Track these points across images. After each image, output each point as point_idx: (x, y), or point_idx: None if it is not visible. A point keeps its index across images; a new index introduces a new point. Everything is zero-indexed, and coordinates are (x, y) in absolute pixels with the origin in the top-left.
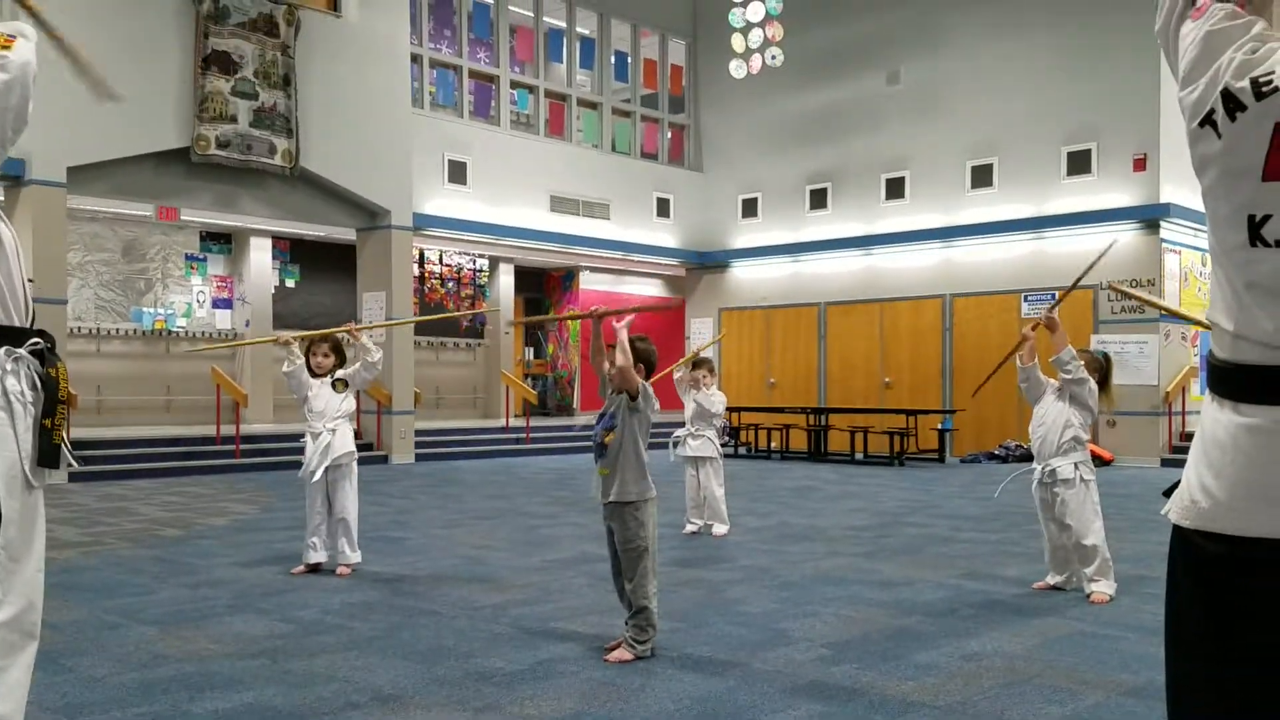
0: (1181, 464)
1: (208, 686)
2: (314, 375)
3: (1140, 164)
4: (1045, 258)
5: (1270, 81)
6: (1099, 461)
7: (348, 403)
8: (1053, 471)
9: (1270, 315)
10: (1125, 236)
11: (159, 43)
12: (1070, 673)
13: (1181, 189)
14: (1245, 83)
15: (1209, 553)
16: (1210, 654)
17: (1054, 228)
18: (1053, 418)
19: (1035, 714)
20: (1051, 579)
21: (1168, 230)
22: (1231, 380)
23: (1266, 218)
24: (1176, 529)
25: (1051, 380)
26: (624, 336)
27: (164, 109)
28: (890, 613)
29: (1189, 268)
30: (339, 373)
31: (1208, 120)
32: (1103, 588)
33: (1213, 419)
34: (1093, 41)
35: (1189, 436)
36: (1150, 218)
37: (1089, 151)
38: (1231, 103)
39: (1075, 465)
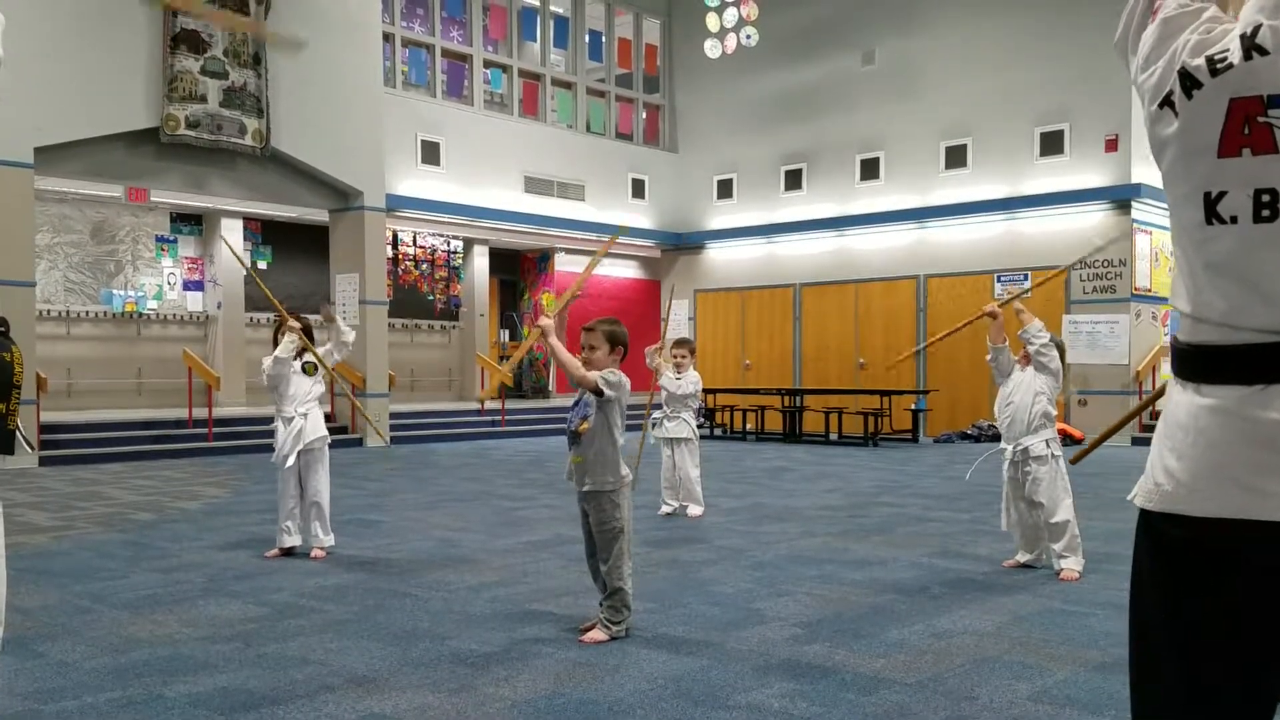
0: (1150, 443)
1: (181, 670)
2: None
3: (1112, 145)
4: (1018, 238)
5: (1225, 58)
6: (1070, 440)
7: (318, 386)
8: (1024, 450)
9: (1223, 294)
10: (1097, 217)
11: (127, 21)
12: (1039, 649)
13: (1152, 170)
14: (1201, 60)
15: (1171, 535)
16: (1170, 635)
17: (1027, 208)
18: (1021, 396)
19: (1004, 690)
20: (1021, 557)
21: (1139, 210)
22: (1191, 362)
23: (1221, 194)
24: (1141, 512)
25: (1014, 357)
26: (560, 352)
27: (133, 89)
28: (863, 591)
29: (1160, 247)
30: (309, 356)
31: (1166, 101)
32: (1072, 564)
33: (1175, 401)
34: (1066, 23)
35: (1160, 415)
36: (1122, 198)
37: (1061, 132)
38: (1188, 81)
39: (1046, 442)
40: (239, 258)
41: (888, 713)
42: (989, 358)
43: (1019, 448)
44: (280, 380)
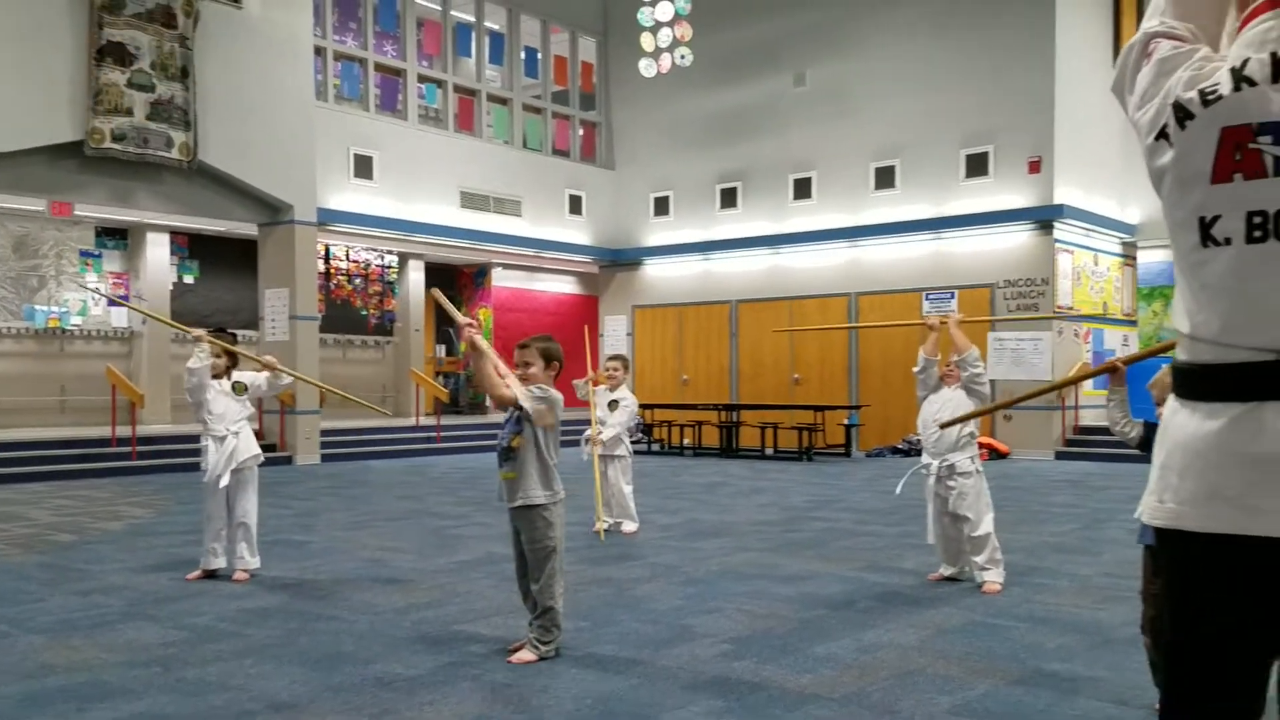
0: (1074, 456)
1: (97, 697)
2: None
3: (1035, 166)
4: (945, 258)
5: (1215, 91)
6: (996, 454)
7: (247, 405)
8: (951, 466)
9: (1219, 314)
10: (1021, 236)
11: (51, 33)
12: (961, 662)
13: (1074, 190)
14: (1194, 93)
15: (1178, 548)
16: (1186, 633)
17: (953, 228)
18: (949, 413)
19: (926, 704)
20: (945, 570)
21: (1061, 230)
22: (1190, 381)
23: (1216, 218)
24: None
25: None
26: (488, 365)
27: (57, 101)
28: (792, 606)
29: (1081, 267)
30: (237, 375)
31: (1161, 134)
32: (993, 577)
33: (1176, 422)
34: (990, 47)
35: (1082, 430)
36: (1044, 219)
37: (986, 154)
38: (1181, 112)
39: (970, 458)
40: (144, 313)
41: None
42: (918, 369)
43: (945, 464)
44: (200, 393)
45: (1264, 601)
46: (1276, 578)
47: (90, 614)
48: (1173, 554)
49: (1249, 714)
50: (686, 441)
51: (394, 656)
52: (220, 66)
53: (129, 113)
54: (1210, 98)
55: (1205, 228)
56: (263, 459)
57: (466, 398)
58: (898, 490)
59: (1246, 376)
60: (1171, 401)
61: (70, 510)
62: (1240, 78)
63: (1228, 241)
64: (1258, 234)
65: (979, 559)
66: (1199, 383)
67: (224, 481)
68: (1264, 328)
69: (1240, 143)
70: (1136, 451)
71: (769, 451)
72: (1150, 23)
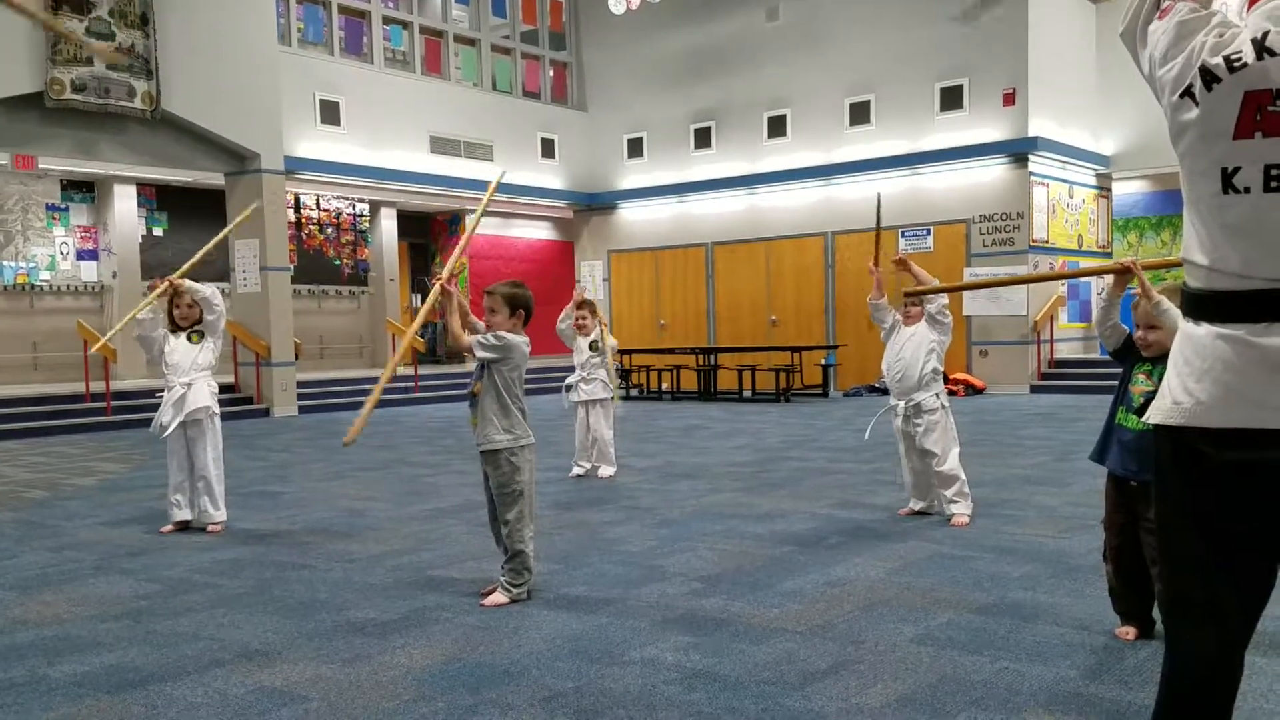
0: (1049, 390)
1: (67, 650)
2: (178, 328)
3: (1009, 99)
4: (921, 193)
5: (1240, 58)
6: (972, 390)
7: (205, 355)
8: (916, 405)
9: (1238, 250)
10: (996, 170)
11: None
12: (926, 593)
13: (1049, 123)
14: (1219, 59)
15: (1191, 445)
16: (1194, 520)
17: (929, 163)
18: (910, 353)
19: (889, 634)
20: (915, 505)
21: (1036, 163)
22: (1208, 305)
23: (1237, 169)
24: (1159, 428)
25: (895, 311)
26: (449, 317)
27: (14, 51)
28: (763, 544)
29: (1056, 199)
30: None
31: (1186, 92)
32: (961, 509)
33: (1191, 335)
34: None
35: (1058, 364)
36: (1019, 151)
37: (961, 87)
38: (1208, 76)
39: (935, 395)
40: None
41: (776, 660)
42: (872, 313)
43: (911, 403)
44: (151, 345)
45: (1270, 487)
46: None
47: (62, 569)
48: (1186, 450)
49: (1243, 628)
50: (665, 386)
51: (367, 603)
52: (181, 12)
53: (89, 62)
54: (1236, 65)
55: (1227, 177)
56: (215, 412)
57: (444, 347)
58: (866, 435)
59: (1262, 301)
60: (1185, 322)
61: (43, 467)
62: (1262, 48)
63: (1247, 190)
64: (1274, 184)
65: (947, 493)
66: (1218, 307)
67: (169, 430)
68: (1278, 263)
69: (1261, 105)
70: (1110, 359)
71: (747, 394)
72: None
